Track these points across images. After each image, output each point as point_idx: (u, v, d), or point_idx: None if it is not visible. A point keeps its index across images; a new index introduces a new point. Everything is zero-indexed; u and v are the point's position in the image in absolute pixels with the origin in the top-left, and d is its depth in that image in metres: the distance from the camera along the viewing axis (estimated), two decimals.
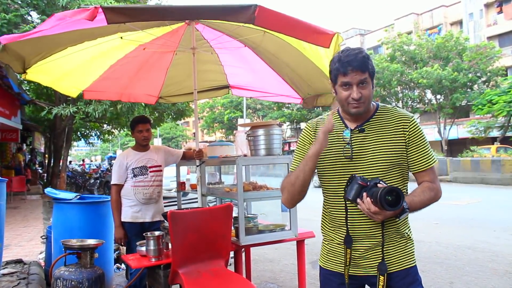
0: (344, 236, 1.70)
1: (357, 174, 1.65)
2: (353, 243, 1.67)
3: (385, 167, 1.66)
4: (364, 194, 1.55)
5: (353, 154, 1.68)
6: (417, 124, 1.71)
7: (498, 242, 6.35)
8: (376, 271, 1.66)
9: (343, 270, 1.71)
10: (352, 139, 1.70)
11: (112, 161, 29.70)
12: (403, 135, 1.68)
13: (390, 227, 1.67)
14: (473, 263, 5.24)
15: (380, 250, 1.66)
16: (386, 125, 1.70)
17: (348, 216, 1.68)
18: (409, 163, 1.70)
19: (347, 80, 1.62)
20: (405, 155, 1.68)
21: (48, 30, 2.63)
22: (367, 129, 1.70)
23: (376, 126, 1.70)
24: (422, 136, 1.70)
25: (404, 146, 1.68)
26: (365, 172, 1.66)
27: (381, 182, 1.57)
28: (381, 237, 1.65)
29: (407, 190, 1.73)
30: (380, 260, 1.65)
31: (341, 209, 1.71)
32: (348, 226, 1.68)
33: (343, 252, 1.70)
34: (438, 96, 25.97)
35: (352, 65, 1.59)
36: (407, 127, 1.68)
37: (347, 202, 1.66)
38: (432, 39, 26.36)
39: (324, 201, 1.83)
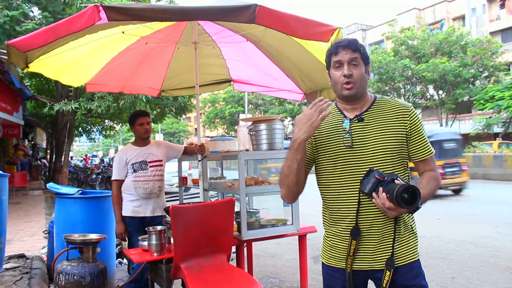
0: (351, 228, 1.66)
1: (358, 164, 1.64)
2: (361, 236, 1.64)
3: (387, 155, 1.65)
4: (381, 188, 1.54)
5: (353, 143, 1.67)
6: (416, 114, 1.73)
7: (500, 237, 6.34)
8: (381, 266, 1.63)
9: (345, 264, 1.67)
10: (351, 128, 1.69)
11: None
12: (403, 125, 1.68)
13: (401, 221, 1.67)
14: (475, 258, 5.23)
15: (391, 245, 1.63)
16: (386, 114, 1.70)
17: (360, 208, 1.65)
18: (410, 152, 1.71)
19: (338, 58, 1.67)
20: (406, 144, 1.69)
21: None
22: (367, 119, 1.69)
23: (376, 116, 1.70)
24: (422, 125, 1.73)
25: (405, 136, 1.68)
26: (367, 162, 1.64)
27: (398, 178, 1.56)
28: (392, 232, 1.64)
29: (408, 179, 1.72)
30: (389, 256, 1.63)
31: (346, 202, 1.67)
32: (358, 219, 1.65)
33: (347, 243, 1.66)
34: (440, 92, 25.86)
35: (343, 44, 1.67)
36: (407, 117, 1.70)
37: (361, 195, 1.64)
38: (441, 32, 26.26)
39: (323, 196, 1.78)
